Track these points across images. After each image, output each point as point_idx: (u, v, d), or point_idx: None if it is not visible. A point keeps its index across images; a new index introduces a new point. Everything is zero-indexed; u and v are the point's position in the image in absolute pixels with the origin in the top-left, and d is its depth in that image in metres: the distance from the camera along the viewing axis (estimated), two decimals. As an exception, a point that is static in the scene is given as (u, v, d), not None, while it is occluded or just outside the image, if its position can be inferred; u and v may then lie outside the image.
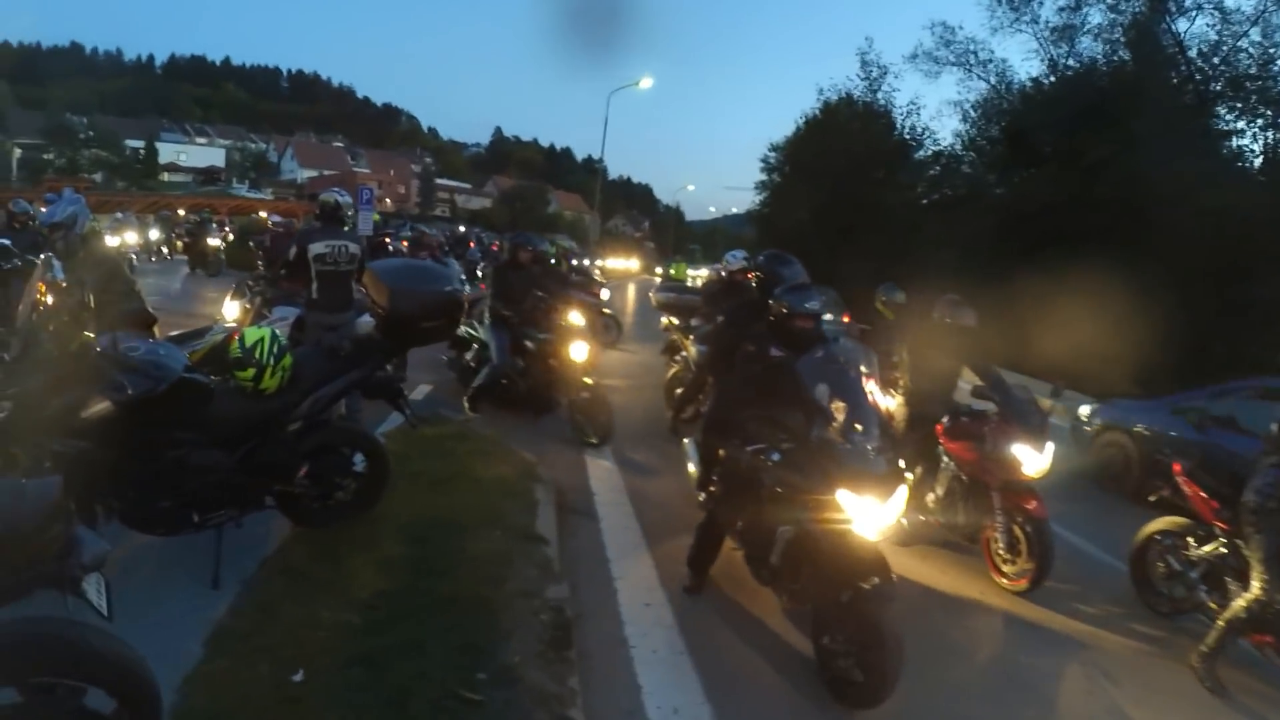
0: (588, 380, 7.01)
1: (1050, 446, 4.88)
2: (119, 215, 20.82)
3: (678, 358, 8.40)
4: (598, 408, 6.99)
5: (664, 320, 9.38)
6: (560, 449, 6.83)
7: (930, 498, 5.26)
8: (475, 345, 7.86)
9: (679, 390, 7.80)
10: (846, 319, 17.61)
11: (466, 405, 7.25)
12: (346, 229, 6.27)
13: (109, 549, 2.20)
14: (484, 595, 3.70)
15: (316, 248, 5.96)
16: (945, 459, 5.21)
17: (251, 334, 3.70)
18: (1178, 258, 16.90)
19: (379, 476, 4.25)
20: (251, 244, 16.42)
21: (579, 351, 6.95)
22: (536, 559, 4.16)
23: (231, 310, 6.86)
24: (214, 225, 20.16)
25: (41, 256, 4.37)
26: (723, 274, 8.52)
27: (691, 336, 7.89)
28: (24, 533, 1.98)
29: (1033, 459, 4.77)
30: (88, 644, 2.01)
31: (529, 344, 7.16)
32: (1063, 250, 18.37)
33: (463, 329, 7.86)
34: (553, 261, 16.49)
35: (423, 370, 8.65)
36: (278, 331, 3.79)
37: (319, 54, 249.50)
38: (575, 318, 7.25)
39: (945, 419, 5.23)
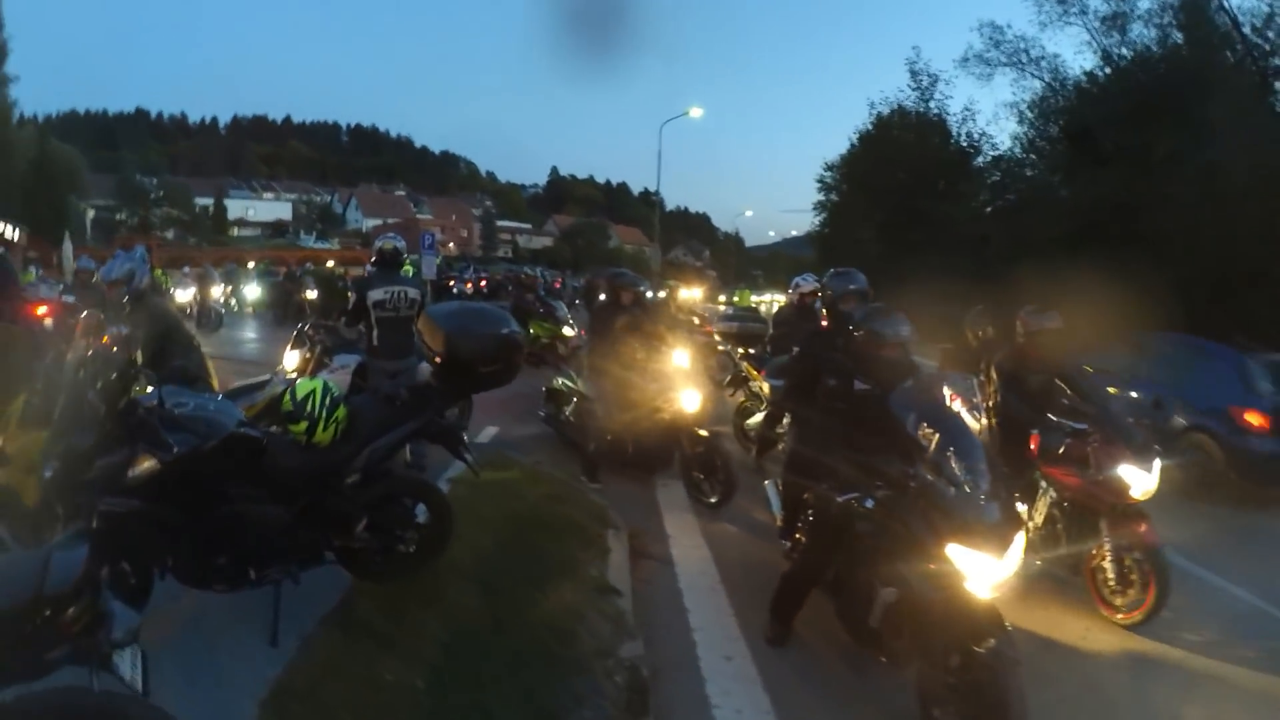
0: (702, 432, 6.28)
1: (1158, 465, 4.44)
2: (186, 270, 21.55)
3: (742, 390, 8.12)
4: (716, 462, 6.18)
5: (722, 348, 9.18)
6: (632, 487, 6.60)
7: (1029, 527, 4.83)
8: (575, 399, 7.24)
9: (748, 422, 7.49)
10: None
11: (584, 478, 6.50)
12: (405, 274, 6.26)
13: (139, 621, 2.07)
14: (554, 653, 3.47)
15: (375, 294, 5.95)
16: (1043, 484, 4.79)
17: (303, 386, 3.58)
18: (1267, 258, 15.86)
19: (442, 527, 4.07)
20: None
21: (690, 400, 6.24)
22: (610, 613, 3.91)
23: (291, 360, 6.80)
24: (311, 279, 19.64)
25: (84, 314, 4.35)
26: (794, 299, 7.94)
27: (762, 369, 7.44)
28: (45, 606, 1.87)
29: (1141, 480, 4.35)
30: (124, 716, 1.94)
31: (634, 395, 6.35)
32: (1141, 253, 17.46)
33: (560, 381, 7.56)
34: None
35: (488, 412, 8.52)
36: (332, 383, 3.66)
37: (376, 107, 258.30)
38: (682, 360, 6.68)
39: (1040, 441, 4.81)
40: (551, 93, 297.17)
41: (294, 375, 6.32)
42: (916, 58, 29.58)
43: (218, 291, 20.73)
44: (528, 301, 13.38)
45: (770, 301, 36.47)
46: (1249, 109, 16.51)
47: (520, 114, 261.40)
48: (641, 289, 7.29)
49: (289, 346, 7.01)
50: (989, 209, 26.75)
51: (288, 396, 3.56)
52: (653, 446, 6.47)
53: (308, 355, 6.52)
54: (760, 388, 7.32)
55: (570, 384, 7.31)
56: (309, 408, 3.50)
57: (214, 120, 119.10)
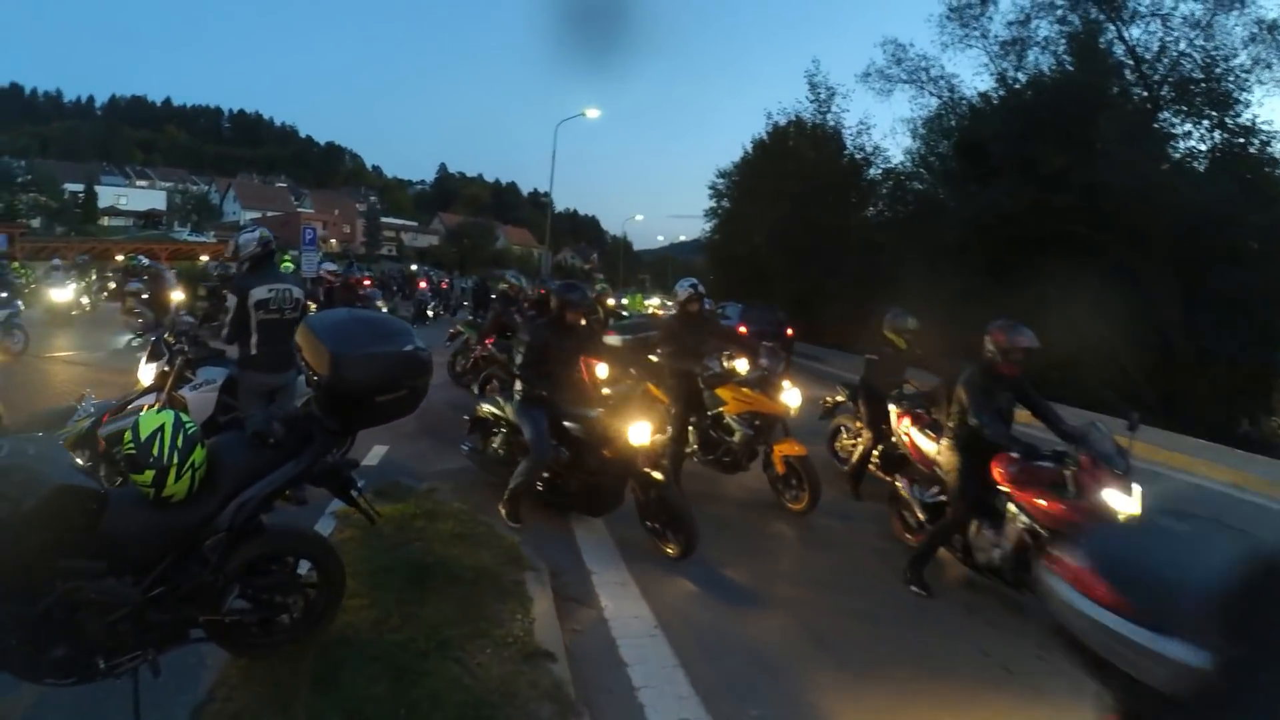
0: (656, 475, 5.34)
1: (1138, 489, 4.19)
2: (56, 263, 19.11)
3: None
4: (673, 508, 5.23)
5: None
6: (541, 512, 5.93)
7: (996, 554, 4.52)
8: (503, 429, 6.21)
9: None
10: (790, 333, 17.27)
11: (504, 513, 5.55)
12: (285, 269, 5.43)
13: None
14: (483, 751, 2.80)
15: (259, 292, 5.13)
16: (1012, 508, 4.47)
17: (148, 422, 2.76)
18: (1138, 260, 16.93)
19: (332, 587, 3.34)
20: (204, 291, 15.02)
21: (639, 433, 5.30)
22: (544, 685, 3.25)
23: (147, 374, 5.73)
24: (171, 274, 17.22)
25: None
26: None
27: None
28: None
29: (1124, 504, 4.09)
30: None
31: (572, 426, 5.57)
32: (1026, 260, 18.35)
33: (486, 408, 6.40)
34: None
35: (376, 430, 7.68)
36: (186, 418, 2.85)
37: (261, 94, 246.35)
38: (626, 388, 6.36)
39: (1005, 465, 4.50)
40: (444, 87, 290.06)
41: (147, 397, 5.36)
42: (816, 70, 30.37)
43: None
44: (510, 317, 10.26)
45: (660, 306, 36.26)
46: (1135, 133, 17.46)
47: (411, 108, 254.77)
48: (587, 304, 6.27)
49: (144, 358, 5.92)
50: (883, 217, 27.49)
51: (129, 436, 2.74)
52: (597, 487, 5.53)
53: (166, 369, 5.51)
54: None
55: (498, 412, 6.21)
56: (155, 450, 2.70)
57: (90, 100, 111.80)
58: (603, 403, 5.64)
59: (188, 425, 2.80)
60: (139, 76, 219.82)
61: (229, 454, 2.94)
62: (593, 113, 33.20)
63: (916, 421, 6.40)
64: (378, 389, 3.08)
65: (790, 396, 6.58)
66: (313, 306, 15.54)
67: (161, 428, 2.73)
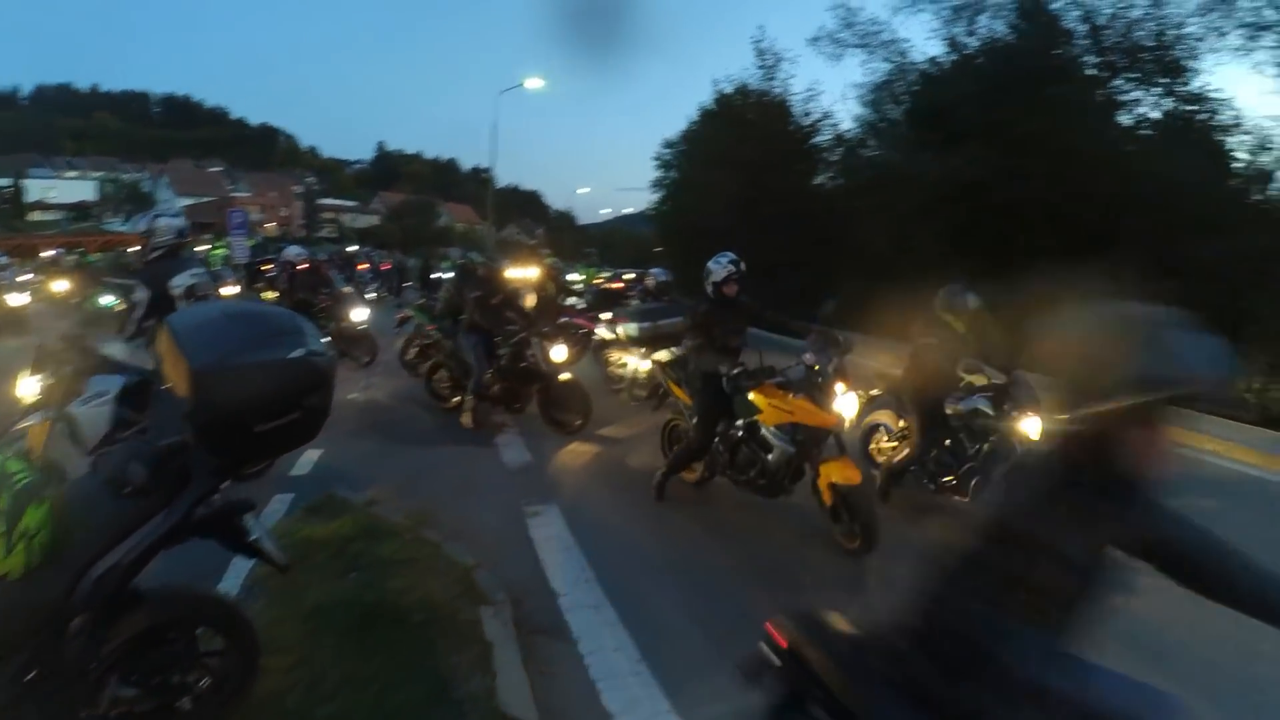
0: (565, 377, 7.58)
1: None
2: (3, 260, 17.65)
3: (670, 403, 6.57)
4: (574, 390, 7.58)
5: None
6: (494, 519, 5.37)
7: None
8: (448, 365, 8.33)
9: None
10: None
11: (468, 421, 7.71)
12: (216, 256, 4.74)
13: None
14: None
15: (183, 279, 4.50)
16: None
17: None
18: (1107, 227, 16.83)
19: (241, 652, 2.66)
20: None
21: (559, 353, 7.56)
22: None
23: (29, 388, 4.89)
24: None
25: None
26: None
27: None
28: None
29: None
30: None
31: (501, 350, 7.69)
32: (993, 227, 18.15)
33: (435, 335, 8.78)
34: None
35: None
36: (14, 465, 2.11)
37: (191, 76, 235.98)
38: (558, 353, 7.58)
39: None
40: (381, 63, 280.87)
41: (32, 417, 4.56)
42: (762, 36, 29.70)
43: None
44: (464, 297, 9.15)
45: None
46: (1092, 98, 17.30)
47: (346, 86, 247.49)
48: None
49: (29, 368, 5.04)
50: (831, 187, 27.14)
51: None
52: (516, 387, 7.79)
53: (51, 380, 4.68)
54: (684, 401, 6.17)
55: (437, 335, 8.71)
56: (-23, 515, 1.98)
57: (15, 90, 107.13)
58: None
59: (18, 478, 2.08)
60: (64, 64, 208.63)
61: (80, 510, 2.21)
62: (533, 82, 32.16)
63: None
64: (256, 414, 2.25)
65: (844, 403, 5.27)
66: (266, 296, 14.36)
67: (-19, 482, 2.02)
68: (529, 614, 4.01)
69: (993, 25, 20.79)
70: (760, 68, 29.73)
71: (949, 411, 5.66)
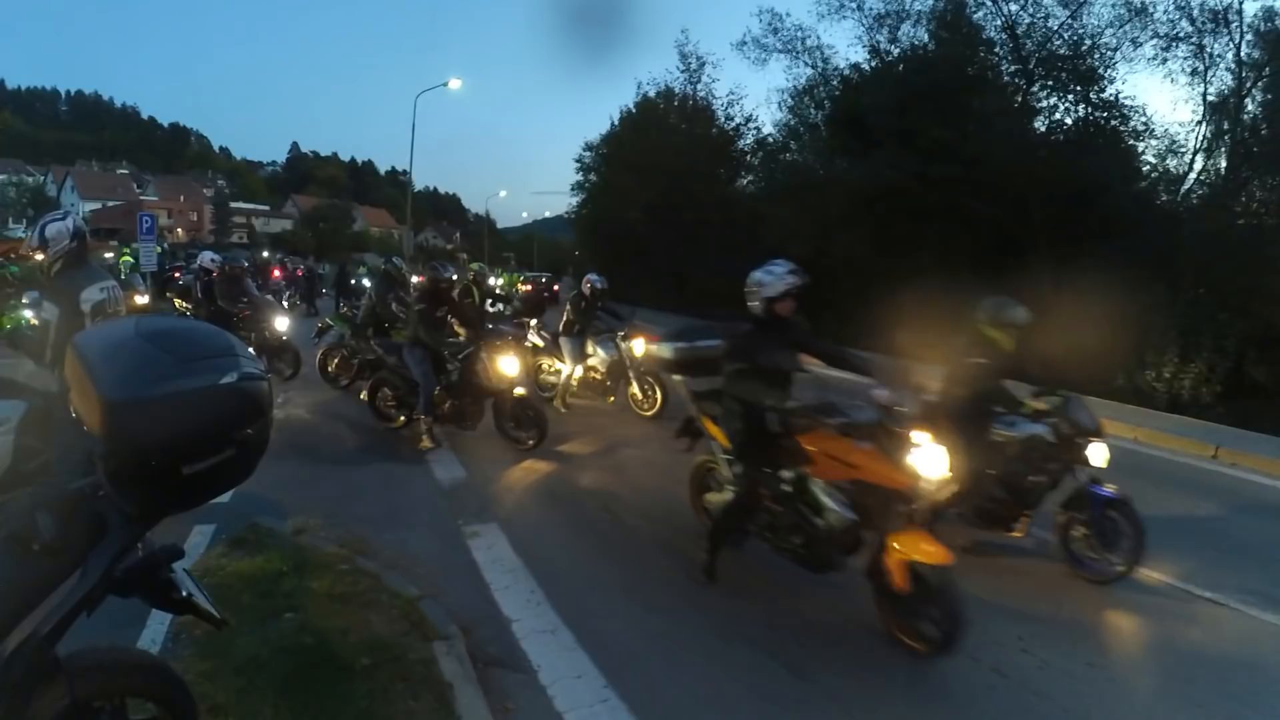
0: (520, 391, 7.37)
1: None
2: None
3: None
4: (530, 406, 7.40)
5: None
6: (433, 543, 5.08)
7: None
8: (391, 381, 7.92)
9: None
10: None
11: (428, 444, 7.35)
12: (124, 263, 4.29)
13: None
14: None
15: (91, 293, 4.03)
16: None
17: None
18: (1018, 230, 17.49)
19: (181, 719, 2.35)
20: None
21: (509, 365, 7.26)
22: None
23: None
24: None
25: None
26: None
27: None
28: None
29: None
30: None
31: (449, 366, 7.49)
32: (911, 231, 18.69)
33: (375, 349, 8.44)
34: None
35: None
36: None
37: (101, 73, 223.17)
38: (509, 366, 7.28)
39: None
40: (295, 62, 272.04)
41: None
42: (686, 40, 30.03)
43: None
44: (387, 306, 9.16)
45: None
46: (1008, 105, 17.88)
47: (258, 84, 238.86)
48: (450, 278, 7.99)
49: None
50: (757, 188, 27.44)
51: None
52: (468, 404, 7.53)
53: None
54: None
55: (380, 353, 8.26)
56: None
57: None
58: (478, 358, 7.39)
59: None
60: None
61: None
62: (455, 83, 31.54)
63: None
64: (184, 453, 1.85)
65: (927, 458, 3.79)
66: (179, 305, 13.41)
67: None
68: (481, 644, 3.77)
69: (915, 33, 21.38)
70: (683, 71, 29.90)
71: (999, 439, 4.98)
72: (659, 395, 8.89)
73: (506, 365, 7.22)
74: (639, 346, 9.11)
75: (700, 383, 5.23)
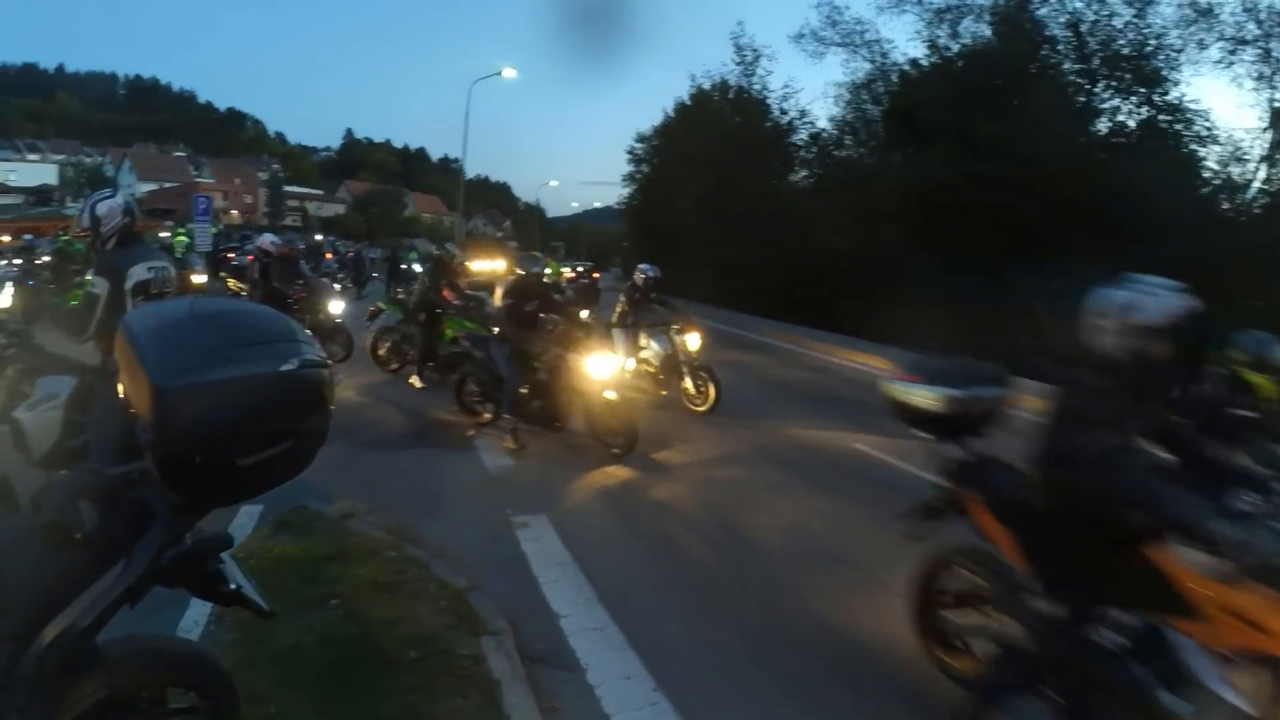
0: (609, 395, 6.88)
1: None
2: None
3: None
4: (621, 415, 6.93)
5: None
6: (481, 532, 4.97)
7: None
8: (477, 374, 7.59)
9: None
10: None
11: (511, 444, 6.96)
12: (178, 243, 4.23)
13: None
14: None
15: (138, 271, 3.94)
16: None
17: None
18: (1068, 232, 16.93)
19: (218, 712, 2.26)
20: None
21: (600, 366, 6.82)
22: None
23: (-36, 389, 4.40)
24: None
25: None
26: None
27: None
28: None
29: None
30: None
31: (536, 365, 7.09)
32: (958, 229, 18.20)
33: (460, 340, 8.17)
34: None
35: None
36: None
37: (158, 57, 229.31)
38: (600, 367, 6.87)
39: None
40: (350, 49, 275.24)
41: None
42: (741, 32, 29.57)
43: None
44: (438, 294, 9.33)
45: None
46: (1066, 105, 17.35)
47: (315, 71, 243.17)
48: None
49: None
50: (809, 183, 27.03)
51: None
52: (555, 406, 7.01)
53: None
54: None
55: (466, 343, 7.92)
56: None
57: None
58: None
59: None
60: (31, 43, 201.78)
61: (15, 562, 1.72)
62: (509, 72, 31.47)
63: None
64: (239, 444, 1.71)
65: None
66: (234, 285, 13.63)
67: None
68: (529, 640, 3.65)
69: (976, 28, 20.84)
70: (739, 64, 29.52)
71: None
72: (712, 391, 8.69)
73: (596, 367, 6.82)
74: (693, 340, 8.96)
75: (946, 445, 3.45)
